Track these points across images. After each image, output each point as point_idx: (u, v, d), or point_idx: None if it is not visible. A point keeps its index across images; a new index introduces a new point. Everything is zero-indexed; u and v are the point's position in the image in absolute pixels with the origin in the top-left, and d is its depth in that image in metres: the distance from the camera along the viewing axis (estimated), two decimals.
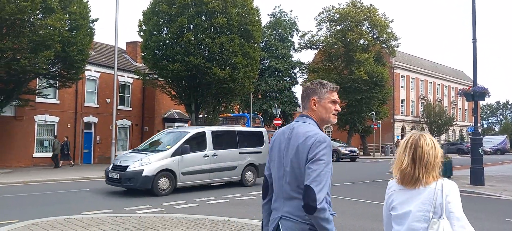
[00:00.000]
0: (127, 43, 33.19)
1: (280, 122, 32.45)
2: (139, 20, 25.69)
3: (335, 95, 2.55)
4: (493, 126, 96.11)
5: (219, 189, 13.22)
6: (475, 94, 15.26)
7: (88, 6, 21.52)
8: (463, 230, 2.14)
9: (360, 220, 8.36)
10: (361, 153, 45.15)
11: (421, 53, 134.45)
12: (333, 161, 2.87)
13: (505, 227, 7.99)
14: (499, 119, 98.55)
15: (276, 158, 2.52)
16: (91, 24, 21.93)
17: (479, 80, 15.34)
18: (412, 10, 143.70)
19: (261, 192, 2.74)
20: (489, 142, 54.48)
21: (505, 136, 61.29)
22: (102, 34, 65.13)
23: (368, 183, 16.01)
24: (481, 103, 73.77)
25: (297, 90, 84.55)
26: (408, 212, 2.23)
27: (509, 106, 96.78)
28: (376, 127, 41.55)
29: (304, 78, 48.86)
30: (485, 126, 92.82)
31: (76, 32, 20.17)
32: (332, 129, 54.97)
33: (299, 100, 55.75)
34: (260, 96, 49.37)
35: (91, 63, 26.22)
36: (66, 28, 19.65)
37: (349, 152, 33.41)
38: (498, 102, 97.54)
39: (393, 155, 44.76)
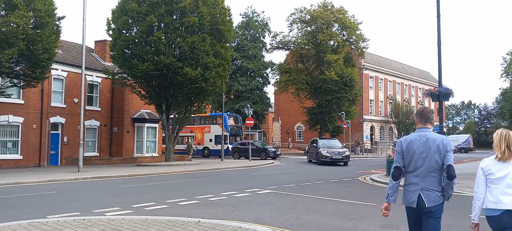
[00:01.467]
0: (95, 42, 32.44)
1: (252, 121, 32.38)
2: (108, 19, 25.21)
3: None
4: (458, 125, 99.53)
5: (187, 189, 13.12)
6: (440, 94, 15.73)
7: (54, 3, 20.87)
8: None
9: (329, 218, 8.47)
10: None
11: (389, 55, 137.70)
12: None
13: (468, 222, 8.22)
14: (463, 119, 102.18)
15: (415, 155, 4.14)
16: (57, 22, 21.27)
17: (444, 81, 15.88)
18: (380, 12, 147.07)
19: None
20: (454, 140, 56.35)
21: (468, 135, 63.59)
22: (70, 33, 63.60)
23: (338, 182, 16.25)
24: (446, 103, 76.23)
25: (269, 90, 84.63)
26: (506, 175, 3.71)
27: (472, 107, 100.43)
28: (346, 126, 42.23)
29: (276, 78, 49.15)
30: (450, 125, 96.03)
31: (41, 30, 19.53)
32: (304, 129, 55.51)
33: (272, 101, 54.27)
34: (232, 96, 49.36)
35: (58, 62, 25.47)
36: (31, 26, 18.99)
37: (330, 155, 26.44)
38: (462, 102, 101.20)
39: (362, 154, 45.69)
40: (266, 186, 14.11)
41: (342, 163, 26.49)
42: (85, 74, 21.64)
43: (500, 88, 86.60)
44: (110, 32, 25.10)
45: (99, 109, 28.97)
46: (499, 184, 3.74)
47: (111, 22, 25.04)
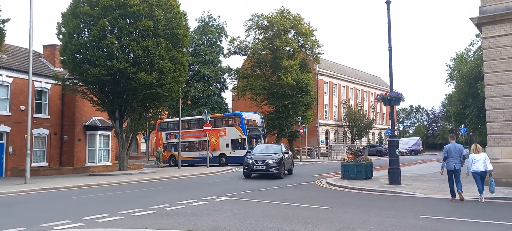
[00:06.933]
0: (44, 46, 31.01)
1: (210, 127, 31.42)
2: (58, 22, 24.18)
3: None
4: (408, 128, 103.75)
5: (143, 199, 12.73)
6: (392, 99, 16.29)
7: None
8: (491, 166, 11.52)
9: (287, 223, 8.49)
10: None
11: (342, 61, 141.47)
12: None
13: (420, 223, 8.58)
14: (413, 122, 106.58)
15: (451, 151, 11.76)
16: (1, 25, 20.11)
17: (395, 86, 16.41)
18: (333, 19, 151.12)
19: None
20: (405, 143, 58.77)
21: (418, 138, 66.47)
22: (16, 37, 60.29)
23: (295, 186, 16.40)
24: (397, 107, 79.43)
25: (227, 96, 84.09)
26: (479, 159, 11.48)
27: (421, 110, 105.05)
28: (302, 131, 42.84)
29: (234, 84, 49.17)
30: (401, 128, 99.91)
31: None
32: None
33: (230, 107, 53.70)
34: (189, 102, 48.74)
35: (2, 68, 24.12)
36: None
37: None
38: (411, 106, 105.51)
39: (318, 158, 46.53)
40: (224, 193, 13.98)
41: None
42: (32, 80, 20.57)
43: (445, 93, 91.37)
44: (61, 36, 24.04)
45: (49, 117, 27.66)
46: (477, 162, 11.44)
47: (61, 26, 24.00)
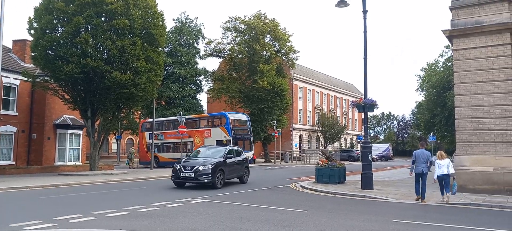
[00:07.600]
0: (13, 41, 30.01)
1: (184, 129, 30.80)
2: (29, 17, 23.47)
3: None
4: (379, 135, 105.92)
5: (116, 200, 12.53)
6: (366, 106, 16.63)
7: None
8: (453, 170, 12.84)
9: (263, 226, 8.54)
10: (263, 160, 46.51)
11: (317, 67, 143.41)
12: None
13: (393, 227, 8.80)
14: (383, 129, 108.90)
15: (419, 156, 13.21)
16: None
17: (368, 93, 16.74)
18: (308, 26, 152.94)
19: None
20: (375, 149, 59.87)
21: (388, 144, 67.95)
22: None
23: (270, 189, 16.48)
24: (369, 114, 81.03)
25: (202, 97, 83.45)
26: (444, 164, 12.70)
27: (391, 118, 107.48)
28: (277, 135, 43.08)
29: (209, 86, 48.99)
30: (372, 134, 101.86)
31: None
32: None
33: (205, 109, 53.53)
34: (163, 103, 48.19)
35: None
36: None
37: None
38: (382, 113, 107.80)
39: (291, 162, 46.93)
40: (200, 195, 13.92)
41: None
42: (1, 76, 19.87)
43: (416, 102, 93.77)
44: (32, 31, 23.31)
45: (17, 114, 26.77)
46: (442, 167, 12.64)
47: (33, 21, 23.29)
